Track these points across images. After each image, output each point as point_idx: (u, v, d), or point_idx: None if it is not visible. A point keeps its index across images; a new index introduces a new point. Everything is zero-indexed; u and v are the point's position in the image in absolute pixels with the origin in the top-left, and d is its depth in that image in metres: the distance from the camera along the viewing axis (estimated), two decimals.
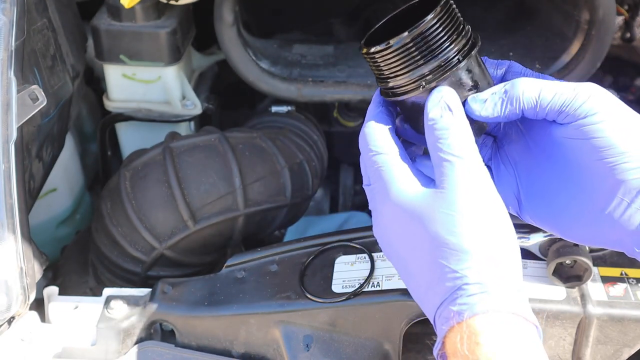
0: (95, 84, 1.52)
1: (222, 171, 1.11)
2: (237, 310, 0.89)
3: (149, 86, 1.29)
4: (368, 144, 0.65)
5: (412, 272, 0.64)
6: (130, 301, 0.94)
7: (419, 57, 0.63)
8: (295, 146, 1.24)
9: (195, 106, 1.31)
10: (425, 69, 0.63)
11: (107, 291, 0.96)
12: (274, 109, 1.40)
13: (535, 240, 0.88)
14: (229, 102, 1.55)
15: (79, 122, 1.48)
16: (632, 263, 0.87)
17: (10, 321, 0.86)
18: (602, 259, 0.88)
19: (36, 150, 0.97)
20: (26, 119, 0.87)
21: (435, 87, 0.63)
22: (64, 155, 1.21)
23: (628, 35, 1.46)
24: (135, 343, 0.91)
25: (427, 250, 0.61)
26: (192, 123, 1.36)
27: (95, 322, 0.92)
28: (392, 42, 0.63)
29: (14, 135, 0.85)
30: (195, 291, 0.93)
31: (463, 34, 0.64)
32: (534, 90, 0.63)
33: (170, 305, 0.91)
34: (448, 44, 0.63)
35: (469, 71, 0.64)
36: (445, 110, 0.62)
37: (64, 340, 0.92)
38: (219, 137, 1.15)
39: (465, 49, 0.64)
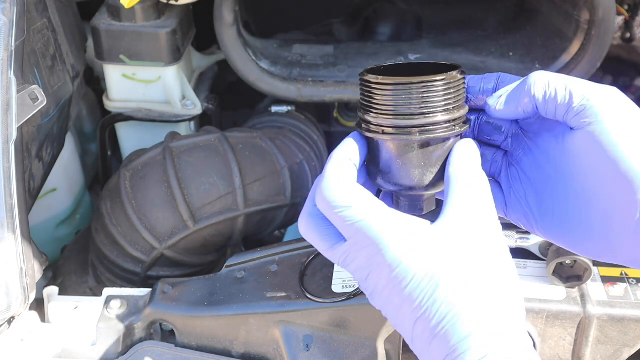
0: (95, 84, 1.52)
1: (222, 171, 1.11)
2: (237, 310, 0.89)
3: (149, 86, 1.29)
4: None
5: (402, 328, 0.62)
6: (130, 301, 0.94)
7: (415, 107, 0.62)
8: (295, 146, 1.24)
9: (195, 106, 1.31)
10: (415, 122, 0.63)
11: (107, 291, 0.96)
12: (274, 109, 1.40)
13: (535, 240, 0.88)
14: (229, 102, 1.55)
15: (79, 122, 1.48)
16: None
17: (10, 321, 0.86)
18: None
19: (36, 150, 0.97)
20: (26, 119, 0.87)
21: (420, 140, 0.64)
22: (64, 155, 1.21)
23: (628, 35, 1.47)
24: (135, 343, 0.91)
25: (408, 312, 0.59)
26: (192, 123, 1.36)
27: (95, 322, 0.92)
28: (401, 80, 0.62)
29: (14, 135, 0.85)
30: (195, 291, 0.93)
31: (461, 109, 0.65)
32: (543, 79, 0.63)
33: (170, 305, 0.91)
34: (442, 109, 0.63)
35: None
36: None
37: (64, 340, 0.92)
38: (219, 137, 1.15)
39: (456, 123, 0.64)
